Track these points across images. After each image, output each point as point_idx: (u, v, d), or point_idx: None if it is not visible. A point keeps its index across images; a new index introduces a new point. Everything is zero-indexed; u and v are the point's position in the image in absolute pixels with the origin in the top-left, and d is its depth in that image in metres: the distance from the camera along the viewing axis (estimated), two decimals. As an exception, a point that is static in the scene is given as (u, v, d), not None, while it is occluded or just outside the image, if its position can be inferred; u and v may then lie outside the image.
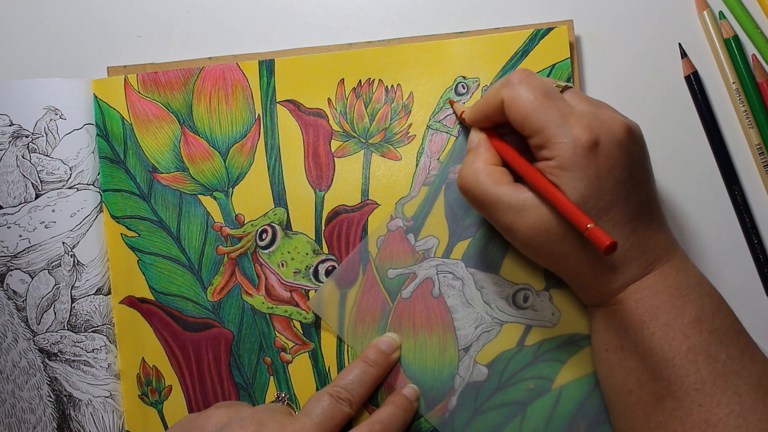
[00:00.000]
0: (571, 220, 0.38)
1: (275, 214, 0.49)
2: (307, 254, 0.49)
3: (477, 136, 0.44)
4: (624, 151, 0.39)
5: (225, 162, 0.49)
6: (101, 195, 0.49)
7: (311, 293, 0.48)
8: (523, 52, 0.48)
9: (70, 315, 0.48)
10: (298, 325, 0.48)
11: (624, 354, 0.41)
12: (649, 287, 0.40)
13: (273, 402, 0.48)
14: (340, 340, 0.48)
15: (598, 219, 0.39)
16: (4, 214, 0.49)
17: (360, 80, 0.49)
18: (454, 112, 0.48)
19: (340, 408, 0.43)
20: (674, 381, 0.39)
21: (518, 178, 0.42)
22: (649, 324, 0.40)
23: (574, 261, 0.40)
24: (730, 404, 0.38)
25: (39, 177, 0.49)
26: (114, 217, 0.49)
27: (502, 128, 0.44)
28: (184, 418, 0.45)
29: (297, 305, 0.48)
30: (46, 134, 0.49)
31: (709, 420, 0.38)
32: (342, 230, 0.48)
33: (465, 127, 0.48)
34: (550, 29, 0.48)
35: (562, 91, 0.41)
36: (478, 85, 0.48)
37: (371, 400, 0.47)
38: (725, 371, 0.38)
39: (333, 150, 0.49)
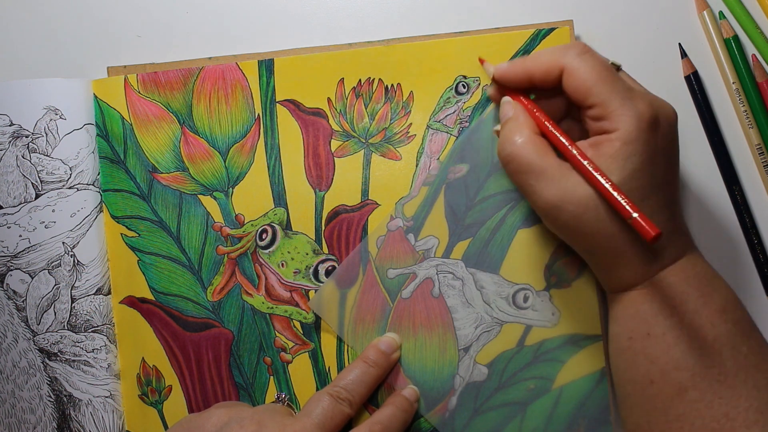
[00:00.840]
0: (615, 207, 0.38)
1: (275, 214, 0.49)
2: (307, 254, 0.49)
3: (511, 107, 0.43)
4: (676, 135, 0.41)
5: (225, 162, 0.49)
6: (101, 195, 0.49)
7: (311, 293, 0.48)
8: (525, 51, 0.48)
9: (70, 315, 0.48)
10: (298, 325, 0.48)
11: (650, 341, 0.40)
12: (681, 272, 0.40)
13: (273, 402, 0.48)
14: (340, 340, 0.48)
15: (646, 198, 0.39)
16: (4, 214, 0.49)
17: (360, 80, 0.49)
18: (486, 70, 0.47)
19: (340, 408, 0.43)
20: (698, 371, 0.38)
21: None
22: (679, 310, 0.39)
23: (618, 239, 0.39)
24: (749, 398, 0.38)
25: (39, 177, 0.49)
26: (114, 217, 0.49)
27: (543, 95, 0.44)
28: (184, 418, 0.45)
29: (297, 305, 0.48)
30: (46, 134, 0.49)
31: (728, 413, 0.38)
32: (342, 230, 0.48)
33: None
34: (551, 29, 0.48)
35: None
36: (479, 84, 0.48)
37: (371, 400, 0.47)
38: (747, 364, 0.38)
39: (333, 150, 0.49)
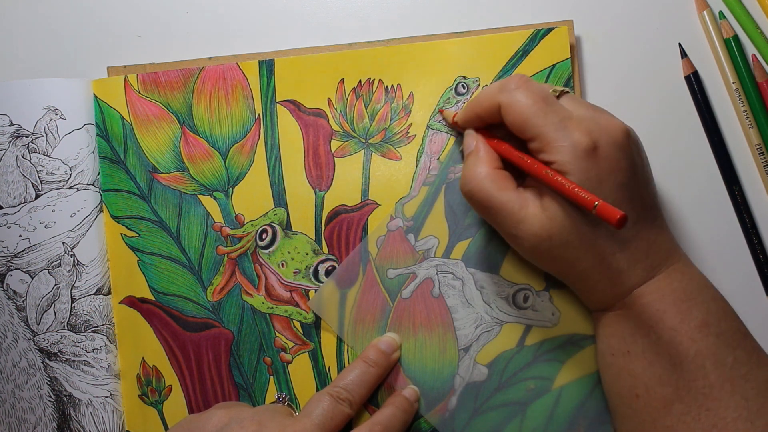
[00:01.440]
0: (577, 201, 0.38)
1: (275, 214, 0.49)
2: (307, 254, 0.49)
3: (474, 139, 0.44)
4: (623, 154, 0.40)
5: (225, 162, 0.49)
6: (101, 195, 0.49)
7: (311, 293, 0.48)
8: (524, 52, 0.48)
9: (70, 315, 0.48)
10: (298, 325, 0.48)
11: (631, 359, 0.41)
12: (655, 291, 0.40)
13: (273, 402, 0.48)
14: (340, 340, 0.48)
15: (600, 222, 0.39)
16: (4, 214, 0.49)
17: (360, 80, 0.49)
18: (444, 119, 0.48)
19: (341, 408, 0.43)
20: (682, 386, 0.39)
21: (518, 177, 0.42)
22: (656, 328, 0.39)
23: (580, 265, 0.40)
24: (737, 408, 0.38)
25: (39, 177, 0.49)
26: (114, 217, 0.49)
27: (495, 130, 0.44)
28: (184, 419, 0.45)
29: (297, 305, 0.48)
30: (46, 134, 0.49)
31: (717, 424, 0.38)
32: (342, 230, 0.48)
33: (457, 132, 0.48)
34: (550, 29, 0.48)
35: (558, 96, 0.42)
36: (478, 84, 0.48)
37: (371, 400, 0.47)
38: (732, 375, 0.38)
39: (333, 150, 0.49)
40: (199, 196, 0.49)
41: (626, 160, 0.40)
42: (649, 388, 0.40)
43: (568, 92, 0.42)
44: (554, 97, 0.41)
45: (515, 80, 0.41)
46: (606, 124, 0.40)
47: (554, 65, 0.47)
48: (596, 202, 0.37)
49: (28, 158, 0.49)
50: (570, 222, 0.39)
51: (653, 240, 0.41)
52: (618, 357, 0.41)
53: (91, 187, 0.49)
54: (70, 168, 0.49)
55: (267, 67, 0.49)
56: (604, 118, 0.40)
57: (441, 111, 0.48)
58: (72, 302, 0.48)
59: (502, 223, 0.41)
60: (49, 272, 0.48)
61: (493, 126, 0.44)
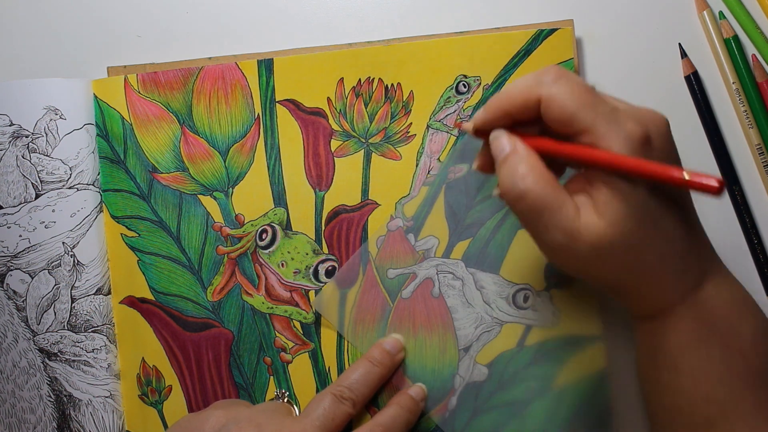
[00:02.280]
0: (664, 178, 0.34)
1: (275, 214, 0.49)
2: (307, 254, 0.48)
3: (507, 140, 0.38)
4: (672, 145, 0.37)
5: (225, 162, 0.49)
6: (101, 195, 0.49)
7: (311, 293, 0.48)
8: (526, 51, 0.48)
9: (70, 315, 0.48)
10: (298, 325, 0.48)
11: (677, 375, 0.38)
12: (706, 301, 0.37)
13: (273, 400, 0.48)
14: (340, 339, 0.48)
15: (659, 220, 0.36)
16: (4, 214, 0.49)
17: (360, 79, 0.49)
18: (465, 131, 0.40)
19: (343, 408, 0.43)
20: (729, 405, 0.37)
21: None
22: (707, 343, 0.37)
23: (636, 271, 0.37)
24: None
25: (39, 177, 0.49)
26: (114, 217, 0.49)
27: (526, 128, 0.39)
28: (182, 419, 0.45)
29: (297, 305, 0.48)
30: (46, 134, 0.49)
31: None
32: (342, 230, 0.48)
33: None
34: (554, 29, 0.48)
35: None
36: (480, 84, 0.48)
37: (372, 401, 0.47)
38: None
39: (333, 150, 0.49)
40: (199, 196, 0.49)
41: (674, 151, 0.37)
42: (693, 406, 0.38)
43: (595, 87, 0.38)
44: (595, 88, 0.37)
45: (553, 72, 0.37)
46: (650, 114, 0.37)
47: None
48: (685, 173, 0.33)
49: (28, 158, 0.49)
50: (631, 226, 0.35)
51: (699, 241, 0.38)
52: (662, 372, 0.39)
53: (91, 187, 0.49)
54: (70, 168, 0.49)
55: (266, 66, 0.49)
56: (645, 110, 0.37)
57: (457, 125, 0.46)
58: (72, 302, 0.48)
59: (553, 228, 0.35)
60: (49, 272, 0.48)
61: (520, 124, 0.39)
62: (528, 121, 0.38)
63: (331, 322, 0.48)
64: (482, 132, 0.39)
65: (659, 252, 0.36)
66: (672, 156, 0.37)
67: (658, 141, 0.36)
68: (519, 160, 0.37)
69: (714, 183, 0.32)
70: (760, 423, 0.37)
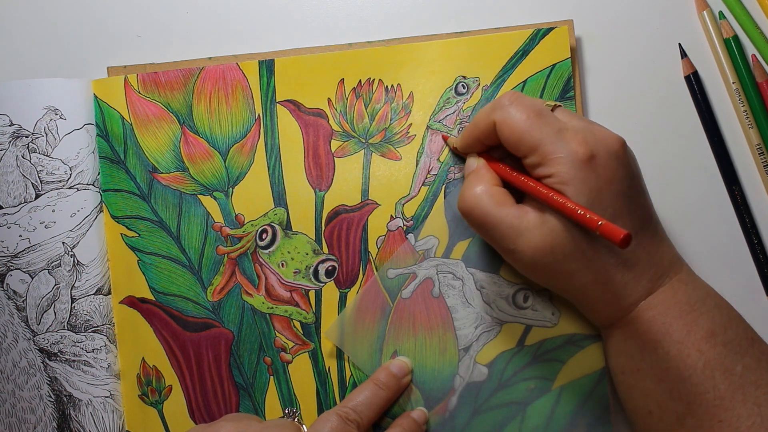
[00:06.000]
0: (580, 222, 0.38)
1: (275, 214, 0.49)
2: (307, 254, 0.49)
3: (475, 161, 0.44)
4: (621, 163, 0.40)
5: (225, 162, 0.49)
6: (101, 195, 0.49)
7: (311, 294, 0.48)
8: (524, 51, 0.48)
9: (70, 315, 0.48)
10: (298, 325, 0.48)
11: (641, 376, 0.40)
12: (660, 304, 0.40)
13: (282, 418, 0.47)
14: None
15: (586, 248, 0.39)
16: (4, 214, 0.49)
17: (360, 80, 0.49)
18: (448, 146, 0.48)
19: (348, 430, 0.43)
20: (693, 399, 0.38)
21: (519, 198, 0.42)
22: (663, 343, 0.39)
23: (581, 280, 0.40)
24: (750, 416, 0.38)
25: (39, 177, 0.49)
26: (114, 217, 0.49)
27: (496, 152, 0.44)
28: (192, 429, 0.44)
29: (297, 305, 0.48)
30: (46, 134, 0.49)
31: None
32: (342, 230, 0.48)
33: (459, 156, 0.48)
34: (550, 29, 0.48)
35: (552, 110, 0.41)
36: (479, 84, 0.48)
37: (377, 425, 0.46)
38: (743, 383, 0.38)
39: (333, 150, 0.49)
40: (199, 196, 0.49)
41: (624, 170, 0.40)
42: (661, 404, 0.39)
43: (560, 106, 0.42)
44: (548, 110, 0.41)
45: (507, 97, 0.41)
46: (601, 134, 0.40)
47: (554, 65, 0.47)
48: (600, 222, 0.37)
49: (28, 158, 0.49)
50: (571, 235, 0.39)
51: (655, 251, 0.40)
52: (628, 375, 0.41)
53: (91, 187, 0.49)
54: (70, 168, 0.49)
55: (267, 67, 0.49)
56: (599, 129, 0.40)
57: (444, 137, 0.48)
58: (72, 302, 0.48)
59: (500, 238, 0.40)
60: (49, 272, 0.48)
61: (494, 149, 0.44)
62: (499, 144, 0.42)
63: (349, 354, 0.48)
64: (463, 154, 0.46)
65: (601, 264, 0.39)
66: (618, 174, 0.39)
67: (603, 159, 0.39)
68: (475, 178, 0.42)
69: (620, 235, 0.36)
70: (725, 413, 0.38)
